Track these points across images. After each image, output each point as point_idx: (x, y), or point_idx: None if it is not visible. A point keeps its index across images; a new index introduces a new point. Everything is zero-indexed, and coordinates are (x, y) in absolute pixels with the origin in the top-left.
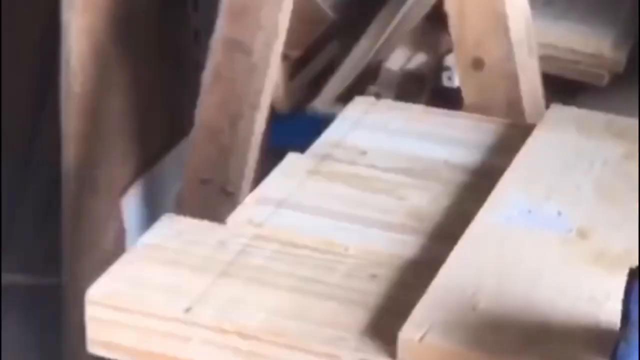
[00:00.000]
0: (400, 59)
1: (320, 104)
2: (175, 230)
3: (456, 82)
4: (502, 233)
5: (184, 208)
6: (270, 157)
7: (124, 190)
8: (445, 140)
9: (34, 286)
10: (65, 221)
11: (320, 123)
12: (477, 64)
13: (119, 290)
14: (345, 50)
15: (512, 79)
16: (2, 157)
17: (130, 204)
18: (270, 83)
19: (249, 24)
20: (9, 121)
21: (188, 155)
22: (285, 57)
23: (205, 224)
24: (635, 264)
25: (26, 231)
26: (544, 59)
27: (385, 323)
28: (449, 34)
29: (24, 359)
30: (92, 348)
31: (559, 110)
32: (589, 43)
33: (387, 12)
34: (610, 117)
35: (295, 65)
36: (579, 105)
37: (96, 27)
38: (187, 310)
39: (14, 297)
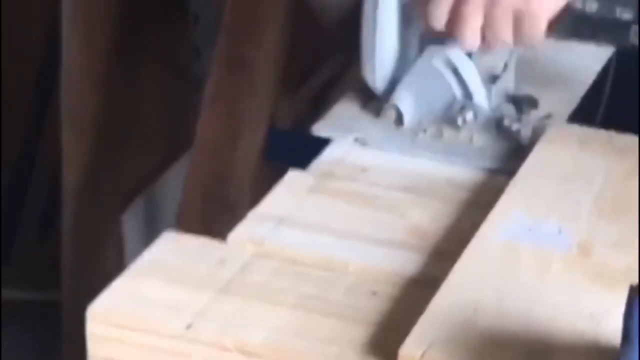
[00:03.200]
0: None
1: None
2: (176, 247)
3: None
4: (503, 250)
5: (184, 225)
6: (271, 175)
7: (124, 206)
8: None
9: (34, 301)
10: (65, 237)
11: (321, 140)
12: None
13: (119, 306)
14: (348, 65)
15: None
16: (2, 171)
17: (131, 220)
18: (271, 99)
19: (250, 40)
20: (8, 137)
21: (188, 172)
22: (286, 72)
23: (205, 241)
24: (635, 281)
25: (26, 246)
26: None
27: (385, 340)
28: None
29: None
30: None
31: (560, 127)
32: None
33: None
34: (612, 134)
35: (296, 81)
36: None
37: (96, 41)
38: (188, 327)
39: (13, 312)
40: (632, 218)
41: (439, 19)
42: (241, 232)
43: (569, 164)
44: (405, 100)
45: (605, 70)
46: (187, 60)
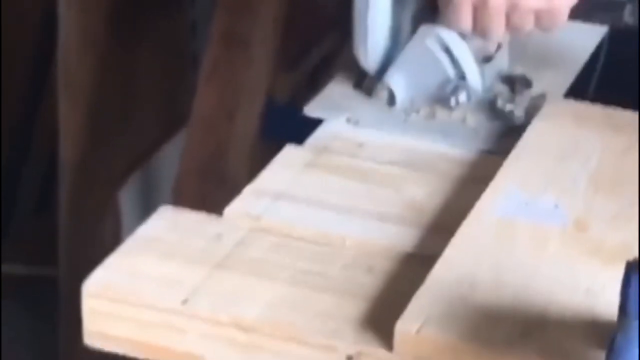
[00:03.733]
0: None
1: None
2: (172, 222)
3: None
4: (499, 225)
5: (180, 200)
6: (268, 150)
7: (120, 182)
8: None
9: (31, 277)
10: (62, 213)
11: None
12: None
13: (115, 282)
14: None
15: None
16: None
17: (127, 196)
18: (268, 75)
19: (246, 16)
20: (5, 113)
21: (185, 147)
22: (283, 48)
23: (202, 216)
24: (632, 256)
25: (23, 222)
26: None
27: (382, 315)
28: None
29: (20, 348)
30: (89, 339)
31: (556, 103)
32: None
33: None
34: (608, 109)
35: (293, 57)
36: None
37: (94, 17)
38: (184, 302)
39: (10, 287)
40: (628, 193)
41: (464, 26)
42: (237, 207)
43: (565, 140)
44: (397, 81)
45: (597, 50)
46: (184, 37)
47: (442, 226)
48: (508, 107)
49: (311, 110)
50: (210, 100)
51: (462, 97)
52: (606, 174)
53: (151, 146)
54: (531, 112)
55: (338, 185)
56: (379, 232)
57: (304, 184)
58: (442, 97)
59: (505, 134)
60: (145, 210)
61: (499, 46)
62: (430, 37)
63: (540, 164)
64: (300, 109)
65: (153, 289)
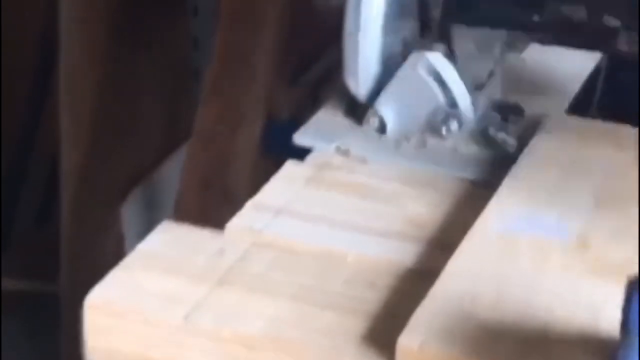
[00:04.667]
0: None
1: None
2: (173, 237)
3: None
4: (501, 240)
5: (182, 215)
6: (269, 165)
7: (123, 196)
8: None
9: (31, 292)
10: (64, 227)
11: None
12: None
13: (117, 297)
14: None
15: None
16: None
17: (129, 211)
18: (270, 90)
19: (248, 31)
20: (7, 125)
21: (186, 162)
22: (285, 63)
23: (203, 231)
24: (634, 272)
25: (24, 236)
26: None
27: (384, 331)
28: None
29: None
30: (90, 355)
31: (558, 119)
32: None
33: None
34: (611, 125)
35: (295, 72)
36: None
37: (95, 32)
38: (186, 317)
39: (10, 303)
40: (631, 209)
41: None
42: (239, 223)
43: (569, 155)
44: (388, 109)
45: (594, 76)
46: (186, 51)
47: (444, 242)
48: (500, 135)
49: (300, 138)
50: (212, 115)
51: (454, 125)
52: (610, 189)
53: (153, 160)
54: (524, 140)
55: (339, 201)
56: (380, 248)
57: (306, 199)
58: (433, 125)
59: (498, 163)
60: (148, 224)
61: (491, 73)
62: (421, 64)
63: (542, 178)
64: (302, 124)
65: (155, 304)
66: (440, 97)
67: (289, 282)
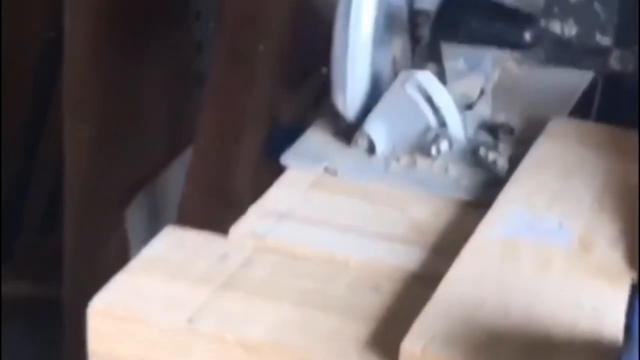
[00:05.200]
0: None
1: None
2: (177, 242)
3: None
4: (503, 245)
5: (185, 220)
6: (273, 170)
7: (126, 201)
8: None
9: (35, 297)
10: (67, 233)
11: None
12: None
13: (121, 301)
14: None
15: None
16: (2, 166)
17: (134, 216)
18: (272, 95)
19: (250, 35)
20: (10, 133)
21: (190, 167)
22: (288, 69)
23: (207, 235)
24: (636, 276)
25: (28, 242)
26: None
27: (387, 335)
28: None
29: None
30: (93, 359)
31: (560, 122)
32: None
33: None
34: (612, 128)
35: (298, 77)
36: None
37: (99, 37)
38: (190, 321)
39: (15, 308)
40: (633, 213)
41: None
42: (242, 227)
43: (570, 159)
44: (377, 129)
45: (589, 94)
46: (189, 56)
47: (446, 246)
48: (491, 156)
49: (288, 159)
50: (216, 120)
51: (444, 145)
52: (611, 193)
53: (157, 165)
54: (515, 160)
55: (342, 206)
56: (383, 252)
57: (309, 204)
58: (422, 146)
59: (489, 184)
60: (152, 229)
61: (482, 91)
62: (410, 83)
63: (544, 182)
64: (305, 130)
65: (158, 308)
66: (430, 117)
67: (292, 287)
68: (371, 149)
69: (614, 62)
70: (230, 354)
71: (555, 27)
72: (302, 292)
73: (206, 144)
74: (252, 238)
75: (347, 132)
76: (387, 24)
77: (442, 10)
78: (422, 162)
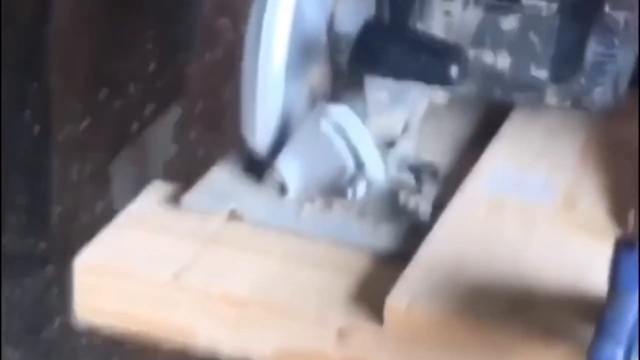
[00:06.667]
0: None
1: None
2: (163, 197)
3: None
4: (488, 202)
5: (171, 175)
6: None
7: (112, 156)
8: None
9: (21, 253)
10: (53, 187)
11: None
12: None
13: (107, 256)
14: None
15: None
16: None
17: (119, 171)
18: None
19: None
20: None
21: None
22: None
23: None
24: (621, 231)
25: (14, 199)
26: None
27: (373, 290)
28: None
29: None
30: (80, 314)
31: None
32: None
33: None
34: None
35: None
36: None
37: None
38: (176, 276)
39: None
40: (617, 170)
41: None
42: None
43: (554, 119)
44: (289, 167)
45: None
46: (179, 10)
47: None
48: (412, 202)
49: (190, 200)
50: (204, 72)
51: (361, 188)
52: (595, 150)
53: (143, 121)
54: (440, 205)
55: None
56: None
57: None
58: (338, 188)
59: (410, 232)
60: (137, 185)
61: (406, 128)
62: (325, 119)
63: (529, 141)
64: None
65: (145, 263)
66: (346, 156)
67: (278, 242)
68: (283, 189)
69: (550, 97)
70: (216, 309)
71: (487, 57)
72: (289, 247)
73: (195, 96)
74: None
75: (258, 169)
76: (302, 49)
77: (360, 39)
78: (338, 206)
